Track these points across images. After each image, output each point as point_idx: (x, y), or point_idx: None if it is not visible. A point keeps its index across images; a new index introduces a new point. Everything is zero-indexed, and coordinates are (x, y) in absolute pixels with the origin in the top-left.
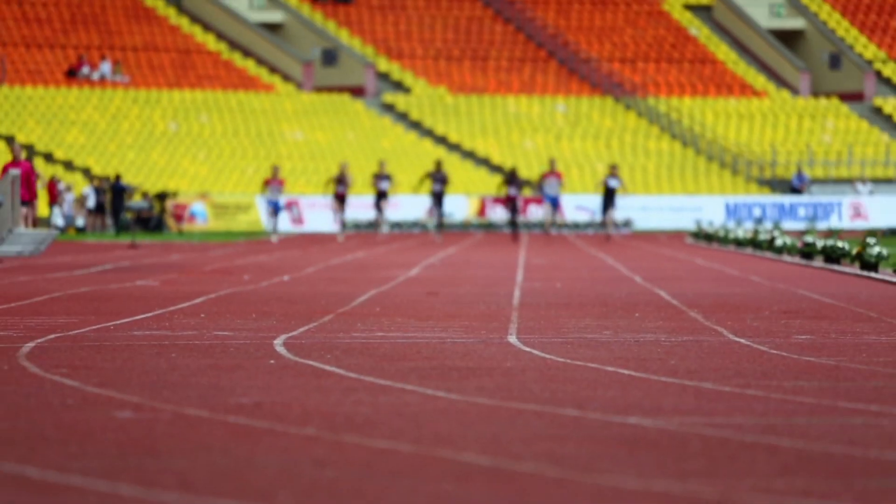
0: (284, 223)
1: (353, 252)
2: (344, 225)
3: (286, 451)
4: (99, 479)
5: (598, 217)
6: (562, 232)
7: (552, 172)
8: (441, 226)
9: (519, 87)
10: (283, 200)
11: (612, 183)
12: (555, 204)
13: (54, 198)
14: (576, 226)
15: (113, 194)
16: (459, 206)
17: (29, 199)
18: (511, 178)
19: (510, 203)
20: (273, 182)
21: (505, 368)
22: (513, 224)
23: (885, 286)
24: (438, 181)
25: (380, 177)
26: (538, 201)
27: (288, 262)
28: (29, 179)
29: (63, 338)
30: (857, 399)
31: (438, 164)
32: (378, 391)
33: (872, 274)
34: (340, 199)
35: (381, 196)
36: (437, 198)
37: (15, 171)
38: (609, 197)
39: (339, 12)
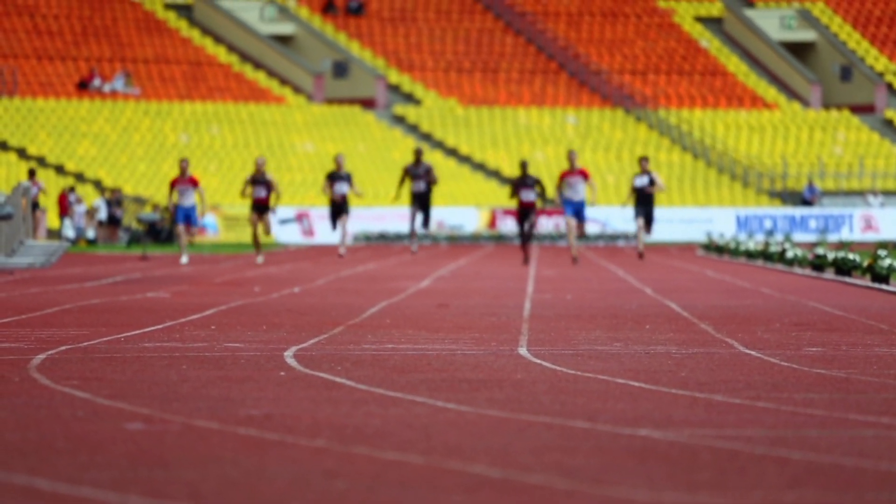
0: (294, 235)
1: (363, 264)
2: (259, 245)
3: (296, 462)
4: (109, 491)
5: (608, 228)
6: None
7: (573, 170)
8: (420, 235)
9: (530, 99)
10: (198, 206)
11: (639, 182)
12: (579, 213)
13: (65, 209)
14: (586, 237)
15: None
16: (470, 218)
17: None
18: (522, 181)
19: (523, 210)
20: (182, 182)
21: (515, 380)
22: (523, 236)
23: None
24: (420, 178)
25: (336, 178)
26: (551, 213)
27: (298, 273)
28: None
29: (74, 349)
30: (867, 411)
31: (418, 155)
32: (388, 403)
33: (883, 286)
34: (260, 207)
35: (337, 205)
36: (420, 200)
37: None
38: (641, 200)
39: (350, 24)
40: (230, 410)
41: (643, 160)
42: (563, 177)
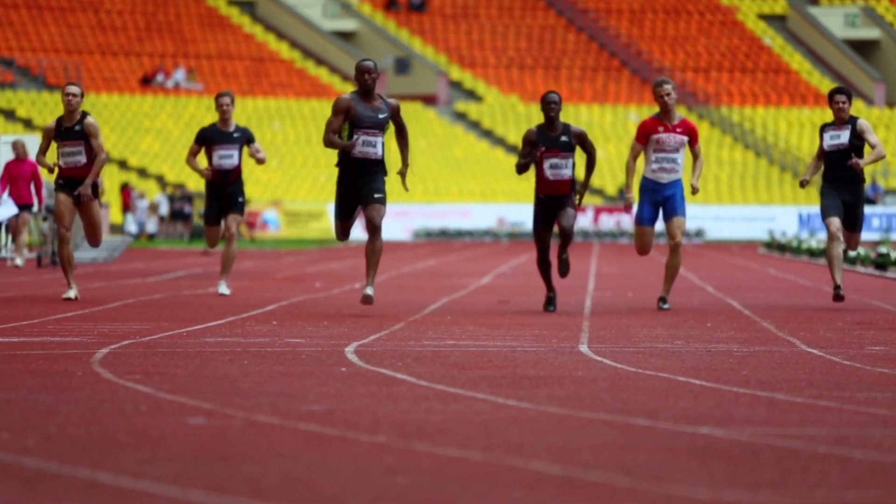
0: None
1: (424, 260)
2: (67, 265)
3: (357, 458)
4: (171, 485)
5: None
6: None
7: (672, 123)
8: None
9: (591, 96)
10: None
11: (831, 139)
12: (673, 205)
13: (127, 204)
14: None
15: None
16: (531, 215)
17: (27, 203)
18: (547, 138)
19: (550, 198)
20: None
21: (576, 377)
22: (545, 250)
23: None
24: (374, 128)
25: (214, 140)
26: (612, 210)
27: (359, 269)
28: (36, 180)
29: (136, 344)
30: None
31: (367, 75)
32: (449, 399)
33: None
34: (76, 183)
35: (219, 189)
36: (356, 170)
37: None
38: (835, 176)
39: (412, 21)
40: (291, 406)
41: (838, 95)
42: (647, 131)
